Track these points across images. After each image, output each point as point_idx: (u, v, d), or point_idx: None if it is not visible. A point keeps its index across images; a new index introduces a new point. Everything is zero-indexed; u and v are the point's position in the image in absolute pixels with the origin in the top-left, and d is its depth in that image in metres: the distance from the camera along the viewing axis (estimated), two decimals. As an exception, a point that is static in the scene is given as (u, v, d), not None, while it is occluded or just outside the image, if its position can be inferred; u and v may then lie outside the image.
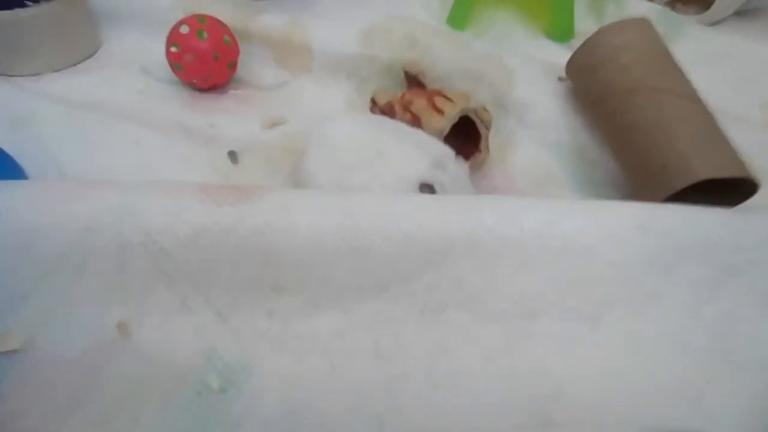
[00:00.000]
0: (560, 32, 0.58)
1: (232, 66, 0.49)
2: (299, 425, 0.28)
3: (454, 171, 0.37)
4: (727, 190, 0.37)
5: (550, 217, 0.31)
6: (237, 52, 0.49)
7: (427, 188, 0.35)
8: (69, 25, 0.51)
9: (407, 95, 0.41)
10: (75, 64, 0.52)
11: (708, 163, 0.35)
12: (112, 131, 0.43)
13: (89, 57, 0.54)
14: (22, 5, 0.49)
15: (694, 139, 0.36)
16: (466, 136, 0.41)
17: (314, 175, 0.36)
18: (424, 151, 0.36)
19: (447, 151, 0.37)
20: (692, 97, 0.39)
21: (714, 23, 0.60)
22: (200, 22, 0.47)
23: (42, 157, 0.40)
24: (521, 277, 0.31)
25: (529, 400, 0.29)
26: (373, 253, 0.31)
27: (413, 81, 0.46)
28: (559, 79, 0.47)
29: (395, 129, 0.38)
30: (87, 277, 0.30)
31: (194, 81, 0.48)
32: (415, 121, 0.40)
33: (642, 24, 0.43)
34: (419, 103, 0.40)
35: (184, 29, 0.47)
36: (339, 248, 0.30)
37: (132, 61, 0.52)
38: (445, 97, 0.40)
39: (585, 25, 0.60)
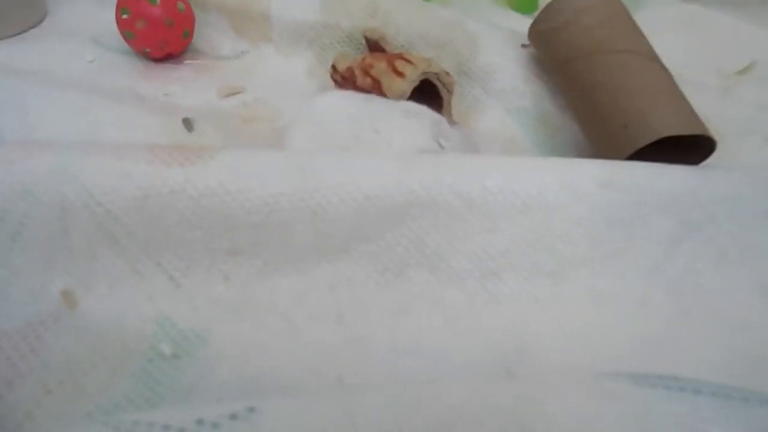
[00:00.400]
0: (524, 3, 0.58)
1: (188, 35, 0.47)
2: (256, 390, 0.27)
3: (454, 136, 0.37)
4: (686, 149, 0.37)
5: (511, 175, 0.31)
6: (192, 20, 0.48)
7: None
8: (10, -5, 0.49)
9: (368, 59, 0.40)
10: (18, 33, 0.50)
11: (668, 122, 0.35)
12: (58, 99, 0.41)
13: (34, 26, 0.51)
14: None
15: (655, 99, 0.37)
16: (428, 100, 0.41)
17: None
18: (420, 121, 0.36)
19: (440, 118, 0.37)
20: (652, 57, 0.39)
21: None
22: (152, -13, 0.46)
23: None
24: (483, 235, 0.31)
25: (491, 357, 0.28)
26: (332, 213, 0.30)
27: (375, 47, 0.45)
28: (522, 45, 0.47)
29: (386, 103, 0.37)
30: (26, 244, 0.28)
31: (147, 50, 0.47)
32: (376, 85, 0.39)
33: (603, -12, 0.43)
34: (380, 67, 0.39)
35: (135, -6, 0.45)
36: (296, 209, 0.30)
37: (81, 30, 0.50)
38: (406, 60, 0.39)
39: (549, -2, 0.61)
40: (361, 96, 0.38)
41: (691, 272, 0.32)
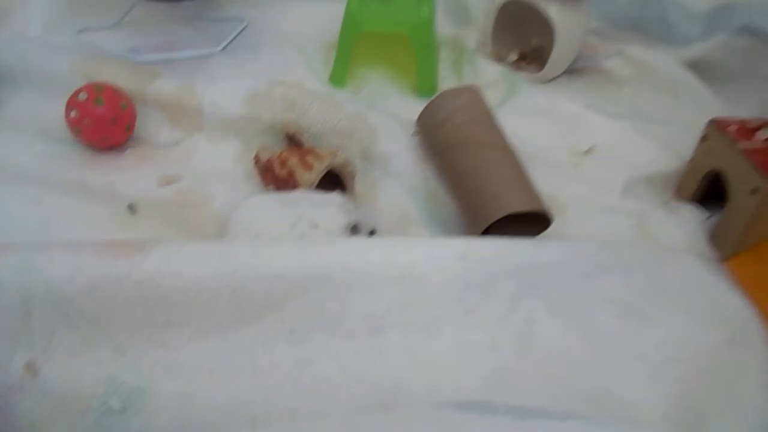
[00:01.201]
0: (425, 89, 0.70)
1: (130, 128, 0.56)
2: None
3: (360, 213, 0.47)
4: (533, 220, 0.48)
5: (389, 252, 0.41)
6: (134, 115, 0.56)
7: (354, 229, 0.45)
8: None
9: (284, 153, 0.50)
10: (-28, 128, 0.57)
11: (515, 201, 0.47)
12: (11, 191, 0.49)
13: (-15, 120, 0.58)
14: None
15: (506, 183, 0.48)
16: (338, 184, 0.51)
17: None
18: (333, 207, 0.46)
19: (345, 200, 0.46)
20: (506, 148, 0.51)
21: (548, 81, 0.75)
22: (97, 90, 0.54)
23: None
24: (369, 301, 0.40)
25: (373, 396, 0.38)
26: (248, 289, 0.39)
27: (292, 139, 0.55)
28: (413, 134, 0.58)
29: (307, 199, 0.47)
30: (-5, 327, 0.36)
31: (93, 143, 0.55)
32: (291, 175, 0.49)
33: (472, 90, 0.55)
34: (293, 161, 0.49)
35: (83, 96, 0.53)
36: (219, 287, 0.38)
37: (30, 122, 0.58)
38: (315, 154, 0.49)
39: (448, 82, 0.73)
40: (280, 198, 0.47)
41: (529, 321, 0.43)
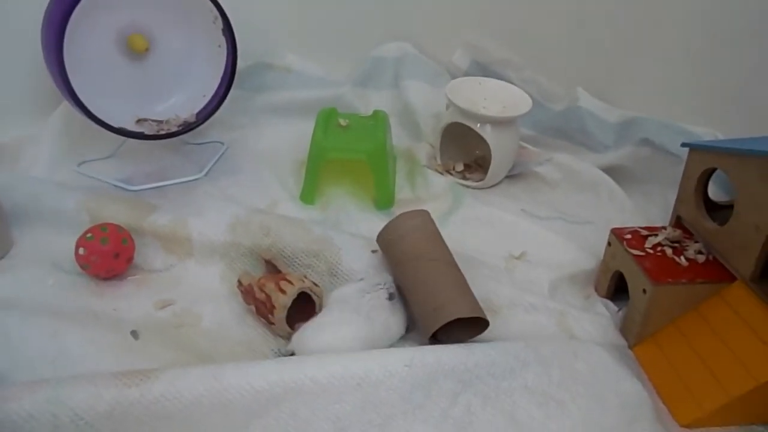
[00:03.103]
0: (382, 202, 0.83)
1: (130, 259, 0.67)
2: None
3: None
4: (473, 323, 0.60)
5: (349, 364, 0.52)
6: (133, 248, 0.68)
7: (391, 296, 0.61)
8: (-14, 234, 0.67)
9: (262, 279, 0.62)
10: (-8, 265, 0.67)
11: (459, 307, 0.58)
12: (30, 325, 0.58)
13: (3, 257, 0.69)
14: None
15: (450, 293, 0.60)
16: (308, 303, 0.62)
17: None
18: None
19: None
20: (451, 263, 0.63)
21: (490, 186, 0.89)
22: (102, 230, 0.65)
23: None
24: (334, 406, 0.51)
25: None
26: (236, 404, 0.49)
27: (269, 264, 0.67)
28: (373, 251, 0.70)
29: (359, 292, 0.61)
30: (30, 450, 0.45)
31: (99, 274, 0.65)
32: (268, 298, 0.60)
33: (422, 213, 0.68)
34: (269, 286, 0.61)
35: (90, 237, 0.65)
36: (212, 404, 0.48)
37: (42, 257, 0.69)
38: (288, 280, 0.61)
39: (403, 193, 0.87)
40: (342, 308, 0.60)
41: (467, 413, 0.53)
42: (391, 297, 0.61)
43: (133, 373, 0.49)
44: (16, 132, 0.85)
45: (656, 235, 0.65)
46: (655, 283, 0.58)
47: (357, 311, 0.59)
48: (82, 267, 0.65)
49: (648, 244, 0.64)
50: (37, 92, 0.87)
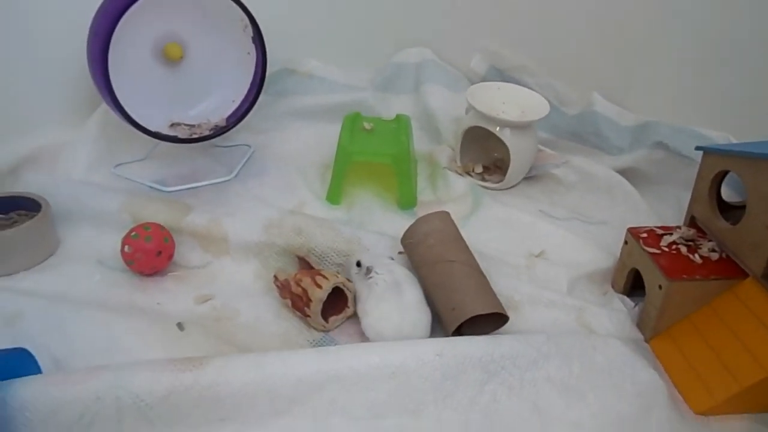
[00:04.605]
0: (405, 203, 0.88)
1: (170, 257, 0.72)
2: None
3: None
4: (493, 319, 0.64)
5: (384, 354, 0.56)
6: (174, 246, 0.72)
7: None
8: (37, 236, 0.72)
9: (298, 275, 0.66)
10: (41, 262, 0.72)
11: (477, 305, 0.63)
12: (83, 319, 0.63)
13: (52, 255, 0.74)
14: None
15: (469, 291, 0.64)
16: (340, 297, 0.67)
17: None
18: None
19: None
20: (470, 263, 0.67)
21: (509, 187, 0.93)
22: (146, 229, 0.70)
23: (35, 348, 0.58)
24: (371, 393, 0.55)
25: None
26: (279, 390, 0.53)
27: (303, 261, 0.71)
28: (399, 253, 0.74)
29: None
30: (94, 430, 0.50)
31: (143, 271, 0.70)
32: (304, 293, 0.65)
33: (442, 215, 0.72)
34: (306, 281, 0.65)
35: (135, 235, 0.70)
36: (257, 390, 0.53)
37: (88, 255, 0.74)
38: (323, 275, 0.65)
39: (425, 194, 0.91)
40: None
41: (493, 401, 0.57)
42: (365, 269, 0.66)
43: (185, 360, 0.53)
44: (55, 136, 0.90)
45: (671, 234, 0.69)
46: (671, 280, 0.62)
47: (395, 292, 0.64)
48: (127, 263, 0.70)
49: (663, 243, 0.68)
50: (74, 98, 0.91)
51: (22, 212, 0.75)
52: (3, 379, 0.50)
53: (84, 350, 0.60)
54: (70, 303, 0.66)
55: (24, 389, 0.49)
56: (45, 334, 0.61)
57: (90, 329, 0.62)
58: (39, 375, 0.53)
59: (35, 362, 0.55)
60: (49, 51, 0.87)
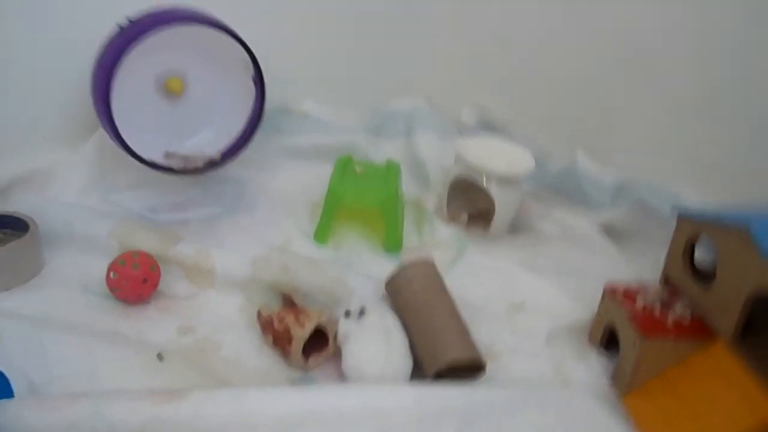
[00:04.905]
0: (391, 246, 0.89)
1: (155, 285, 0.72)
2: None
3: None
4: (472, 366, 0.65)
5: (364, 396, 0.57)
6: (159, 275, 0.73)
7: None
8: (22, 256, 0.72)
9: (281, 313, 0.67)
10: (23, 283, 0.72)
11: (454, 351, 0.64)
12: (65, 341, 0.63)
13: (35, 275, 0.74)
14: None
15: (450, 337, 0.65)
16: (322, 337, 0.67)
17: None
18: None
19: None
20: (451, 311, 0.69)
21: (494, 238, 0.95)
22: (134, 256, 0.71)
23: (11, 370, 0.58)
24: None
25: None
26: (257, 426, 0.53)
27: (287, 299, 0.72)
28: (381, 297, 0.75)
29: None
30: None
31: (128, 298, 0.70)
32: (286, 330, 0.65)
33: (426, 262, 0.74)
34: (289, 319, 0.66)
35: (122, 262, 0.70)
36: (235, 426, 0.53)
37: (73, 279, 0.74)
38: (306, 315, 0.66)
39: (410, 240, 0.93)
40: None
41: (470, 447, 0.58)
42: (360, 309, 0.68)
43: (164, 391, 0.53)
44: (49, 157, 0.91)
45: (647, 292, 0.71)
46: (645, 338, 0.64)
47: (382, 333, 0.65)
48: (112, 290, 0.70)
49: (638, 301, 0.70)
50: (71, 122, 0.93)
51: (8, 231, 0.75)
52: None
53: (63, 375, 0.60)
54: (52, 326, 0.66)
55: (-1, 413, 0.49)
56: (23, 357, 0.61)
57: (70, 354, 0.62)
58: (12, 399, 0.52)
59: (8, 385, 0.55)
60: (50, 75, 0.89)
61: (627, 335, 0.68)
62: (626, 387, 0.68)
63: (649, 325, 0.66)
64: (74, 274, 0.74)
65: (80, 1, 0.86)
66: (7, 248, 0.69)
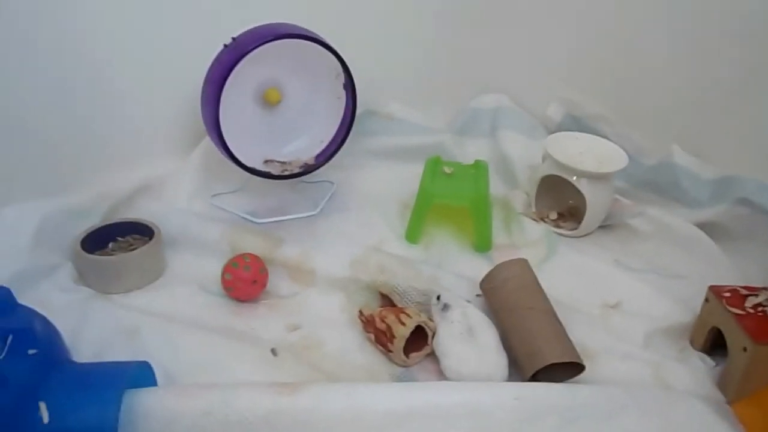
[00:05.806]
0: (481, 245, 0.91)
1: (264, 285, 0.78)
2: None
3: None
4: (568, 367, 0.66)
5: (464, 394, 0.60)
6: (267, 276, 0.79)
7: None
8: (147, 259, 0.80)
9: (383, 312, 0.71)
10: (151, 283, 0.80)
11: (553, 353, 0.65)
12: (190, 337, 0.70)
13: (160, 276, 0.82)
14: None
15: (547, 338, 0.66)
16: (421, 335, 0.70)
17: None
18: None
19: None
20: (547, 310, 0.70)
21: (584, 235, 0.95)
22: (245, 259, 0.77)
23: (151, 361, 0.65)
24: (450, 430, 0.58)
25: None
26: (366, 419, 0.57)
27: (385, 298, 0.76)
28: (477, 295, 0.77)
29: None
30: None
31: (239, 297, 0.77)
32: (388, 329, 0.69)
33: (521, 262, 0.75)
34: (390, 318, 0.69)
35: (235, 264, 0.76)
36: (347, 418, 0.57)
37: (191, 279, 0.81)
38: (407, 314, 0.70)
39: (500, 239, 0.94)
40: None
41: (570, 446, 0.59)
42: (442, 305, 0.71)
43: (283, 384, 0.58)
44: (163, 166, 0.99)
45: (756, 295, 0.69)
46: (757, 343, 0.62)
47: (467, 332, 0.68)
48: (226, 290, 0.77)
49: (748, 304, 0.68)
50: (181, 133, 1.01)
51: (137, 236, 0.84)
52: (129, 388, 0.56)
53: (191, 366, 0.67)
54: (178, 322, 0.73)
55: (147, 399, 0.56)
56: (158, 349, 0.68)
57: (195, 347, 0.69)
58: (158, 387, 0.59)
59: (153, 375, 0.62)
60: (162, 92, 0.97)
61: (736, 340, 0.66)
62: (735, 394, 0.66)
63: (761, 329, 0.64)
64: (192, 275, 0.82)
65: (189, 28, 0.93)
66: (139, 252, 0.78)
